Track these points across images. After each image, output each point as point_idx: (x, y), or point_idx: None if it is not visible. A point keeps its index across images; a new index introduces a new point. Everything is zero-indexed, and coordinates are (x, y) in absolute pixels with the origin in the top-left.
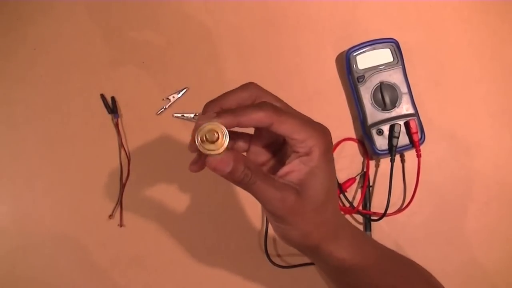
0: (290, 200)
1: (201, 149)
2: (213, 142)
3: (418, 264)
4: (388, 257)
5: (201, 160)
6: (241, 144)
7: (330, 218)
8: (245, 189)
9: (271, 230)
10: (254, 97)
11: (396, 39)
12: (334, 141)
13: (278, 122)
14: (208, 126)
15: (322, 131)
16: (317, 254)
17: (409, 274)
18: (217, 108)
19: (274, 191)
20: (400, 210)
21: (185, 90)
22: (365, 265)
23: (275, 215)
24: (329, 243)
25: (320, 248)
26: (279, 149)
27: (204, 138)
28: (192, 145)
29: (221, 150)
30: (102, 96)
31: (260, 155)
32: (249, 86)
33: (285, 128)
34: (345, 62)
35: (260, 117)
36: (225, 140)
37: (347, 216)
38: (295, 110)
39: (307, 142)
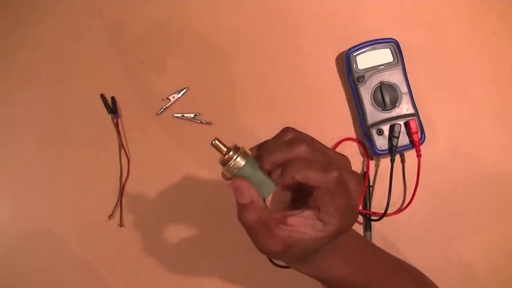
0: (274, 251)
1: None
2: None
3: (413, 268)
4: (381, 271)
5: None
6: None
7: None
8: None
9: None
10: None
11: (396, 39)
12: (334, 141)
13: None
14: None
15: (350, 222)
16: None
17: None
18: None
19: (265, 241)
20: (400, 210)
21: (185, 90)
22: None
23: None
24: (300, 266)
25: (304, 266)
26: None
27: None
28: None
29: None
30: (102, 96)
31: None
32: (287, 133)
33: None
34: (345, 62)
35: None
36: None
37: None
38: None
39: (333, 217)
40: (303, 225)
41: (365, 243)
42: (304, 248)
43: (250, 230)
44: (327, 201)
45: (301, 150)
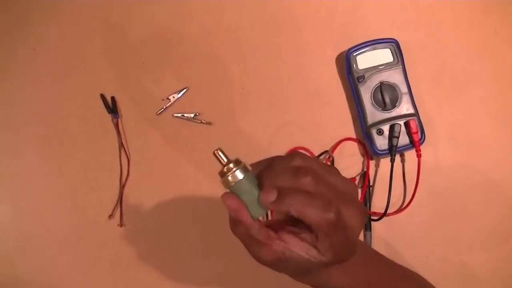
0: (265, 261)
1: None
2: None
3: (418, 276)
4: (383, 281)
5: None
6: None
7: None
8: None
9: None
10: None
11: (396, 39)
12: (334, 141)
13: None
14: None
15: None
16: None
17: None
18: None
19: (256, 251)
20: (400, 210)
21: (185, 90)
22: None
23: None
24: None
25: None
26: None
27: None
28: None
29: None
30: (102, 96)
31: None
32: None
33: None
34: (345, 62)
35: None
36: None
37: None
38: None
39: (328, 251)
40: (298, 246)
41: (368, 251)
42: (296, 265)
43: (240, 240)
44: (322, 237)
45: (306, 182)
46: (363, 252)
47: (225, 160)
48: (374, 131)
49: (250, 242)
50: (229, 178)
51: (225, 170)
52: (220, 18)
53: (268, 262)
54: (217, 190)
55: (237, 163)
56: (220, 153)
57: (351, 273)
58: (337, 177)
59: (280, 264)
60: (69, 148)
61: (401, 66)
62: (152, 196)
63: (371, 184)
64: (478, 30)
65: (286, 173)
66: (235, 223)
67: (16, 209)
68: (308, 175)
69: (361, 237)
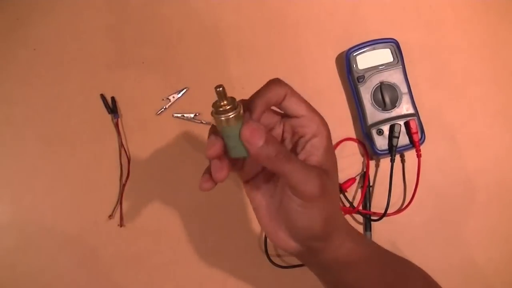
0: (324, 179)
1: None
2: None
3: (413, 263)
4: (385, 253)
5: (212, 178)
6: None
7: (339, 204)
8: (274, 168)
9: None
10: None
11: (396, 39)
12: (334, 141)
13: (290, 95)
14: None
15: (322, 117)
16: (326, 247)
17: (406, 270)
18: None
19: (308, 171)
20: (400, 210)
21: (185, 90)
22: (367, 259)
23: (308, 196)
24: (341, 231)
25: (332, 238)
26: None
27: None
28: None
29: (237, 110)
30: (102, 96)
31: None
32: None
33: (295, 102)
34: (345, 62)
35: (276, 91)
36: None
37: (347, 217)
38: None
39: (314, 121)
40: (303, 163)
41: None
42: (334, 171)
43: (287, 168)
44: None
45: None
46: (366, 242)
47: (226, 101)
48: (374, 131)
49: (295, 166)
50: (222, 118)
51: (220, 109)
52: (220, 18)
53: (314, 192)
54: (218, 190)
55: (234, 106)
56: (221, 89)
57: (361, 243)
58: None
59: (327, 185)
60: (69, 148)
61: (401, 66)
62: (152, 196)
63: (371, 184)
64: (478, 30)
65: (257, 92)
66: (267, 143)
67: (16, 209)
68: (276, 80)
69: None
